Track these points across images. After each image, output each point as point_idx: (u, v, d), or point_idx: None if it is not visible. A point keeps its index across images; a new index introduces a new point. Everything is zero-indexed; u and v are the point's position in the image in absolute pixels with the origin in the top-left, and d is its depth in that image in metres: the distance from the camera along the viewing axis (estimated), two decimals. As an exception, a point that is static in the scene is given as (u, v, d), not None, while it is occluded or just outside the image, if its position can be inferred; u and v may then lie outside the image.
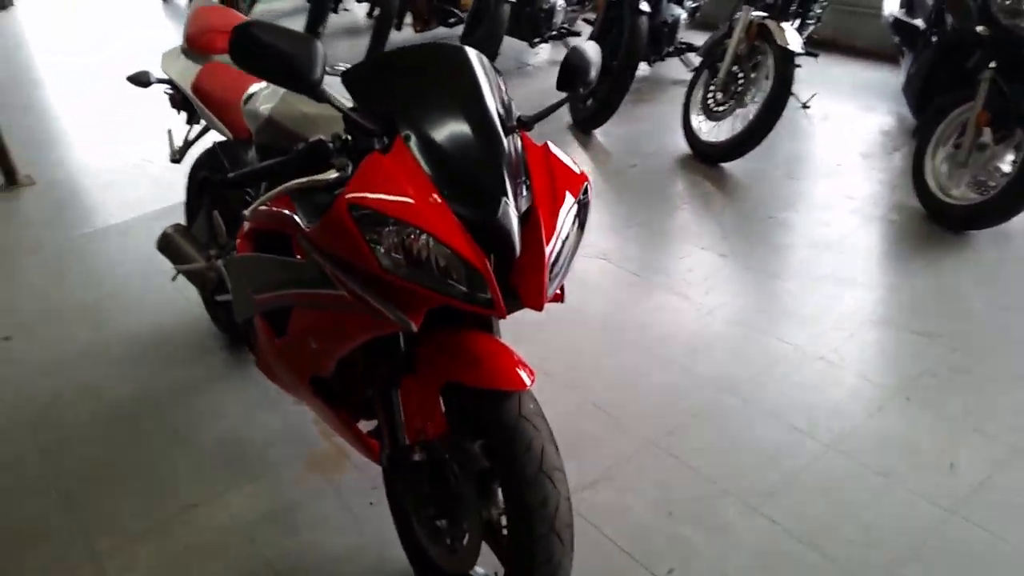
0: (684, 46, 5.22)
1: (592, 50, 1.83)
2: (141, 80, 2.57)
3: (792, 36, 3.63)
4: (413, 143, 1.50)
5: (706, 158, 4.05)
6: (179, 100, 2.61)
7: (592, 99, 4.43)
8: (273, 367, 2.04)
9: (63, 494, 2.20)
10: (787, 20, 3.88)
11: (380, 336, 1.61)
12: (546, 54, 6.13)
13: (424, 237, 1.42)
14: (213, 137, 2.48)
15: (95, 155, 4.69)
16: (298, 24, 6.17)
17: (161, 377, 2.65)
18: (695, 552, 1.96)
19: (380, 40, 5.67)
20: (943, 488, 2.09)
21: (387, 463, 1.74)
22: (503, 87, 1.75)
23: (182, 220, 2.78)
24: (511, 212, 1.48)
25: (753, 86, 3.86)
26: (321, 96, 1.44)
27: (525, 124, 1.72)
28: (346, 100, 1.53)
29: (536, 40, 5.28)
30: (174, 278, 2.52)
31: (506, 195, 1.49)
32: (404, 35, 6.33)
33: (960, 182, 3.24)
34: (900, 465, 2.17)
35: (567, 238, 1.63)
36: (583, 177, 1.69)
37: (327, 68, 1.46)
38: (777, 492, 2.12)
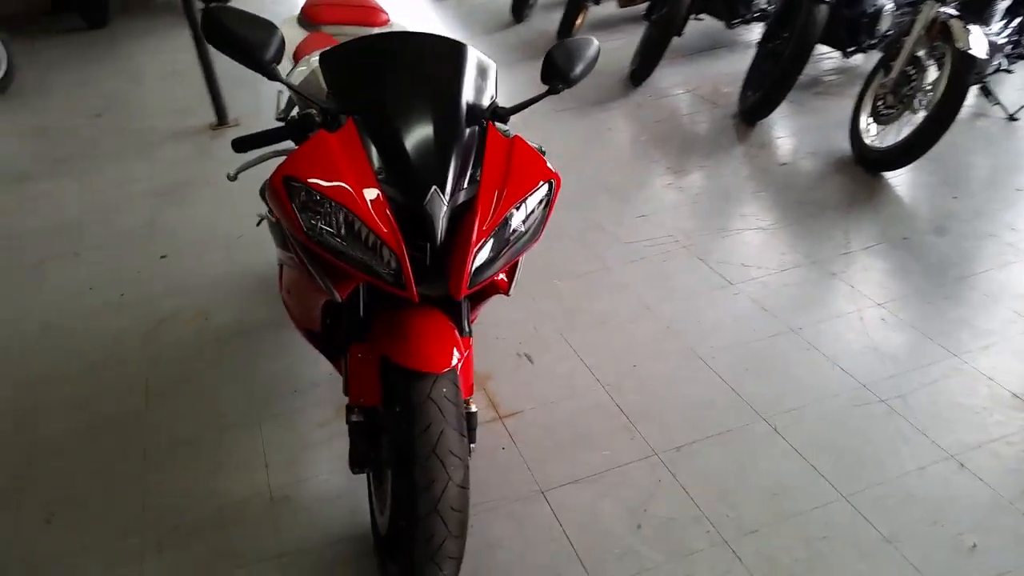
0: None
1: (581, 46, 1.79)
2: None
3: (977, 40, 3.18)
4: (363, 125, 1.59)
5: (867, 164, 3.69)
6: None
7: (758, 89, 4.18)
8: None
9: (151, 391, 2.59)
10: (982, 23, 3.40)
11: (341, 303, 1.73)
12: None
13: (344, 213, 1.51)
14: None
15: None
16: None
17: (259, 311, 2.97)
18: (644, 570, 1.91)
19: (568, 24, 5.70)
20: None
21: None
22: (490, 78, 1.78)
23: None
24: (439, 200, 1.52)
25: (925, 90, 3.44)
26: (272, 75, 1.58)
27: (500, 116, 1.74)
28: None
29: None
30: (258, 223, 2.81)
31: (440, 183, 1.53)
32: (606, 10, 6.28)
33: None
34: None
35: (514, 233, 1.64)
36: (548, 175, 1.69)
37: None
38: (759, 532, 1.99)
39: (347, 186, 1.52)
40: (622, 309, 2.86)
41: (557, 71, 1.75)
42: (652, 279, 3.01)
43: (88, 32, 6.68)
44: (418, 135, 1.58)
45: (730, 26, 5.35)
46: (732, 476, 2.16)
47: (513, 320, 2.84)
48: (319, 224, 1.55)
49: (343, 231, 1.54)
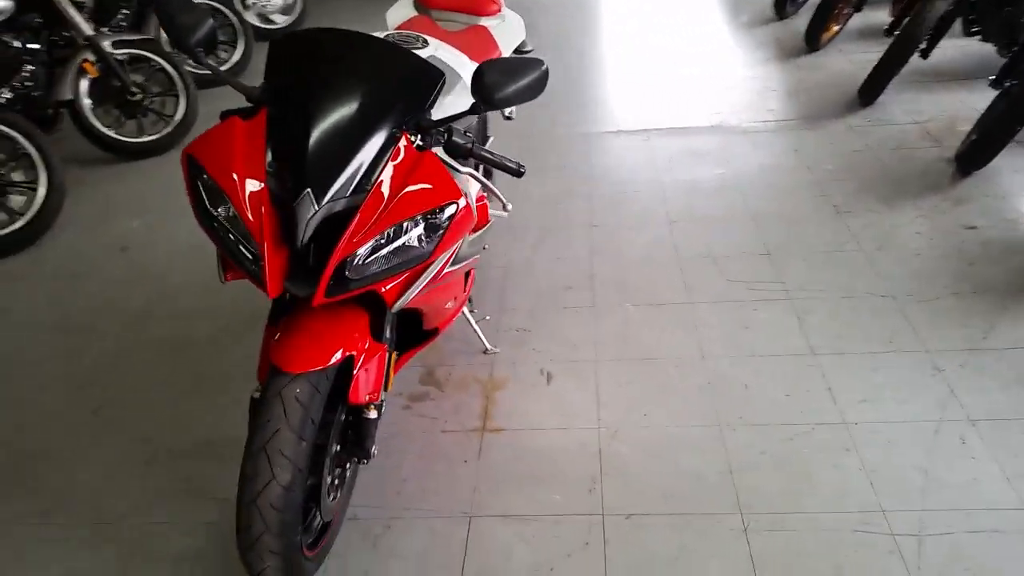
0: None
1: (518, 68, 1.66)
2: None
3: None
4: (273, 117, 1.64)
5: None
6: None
7: (980, 133, 3.49)
8: None
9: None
10: None
11: None
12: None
13: (225, 199, 1.58)
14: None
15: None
16: None
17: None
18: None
19: (816, 30, 5.12)
20: None
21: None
22: (429, 89, 1.72)
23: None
24: (308, 203, 1.54)
25: None
26: (196, 59, 1.68)
27: (424, 129, 1.70)
28: None
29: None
30: None
31: (317, 186, 1.54)
32: (877, 17, 5.54)
33: None
34: None
35: (402, 248, 1.61)
36: (451, 196, 1.63)
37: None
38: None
39: (235, 174, 1.58)
40: (675, 351, 2.62)
41: (481, 88, 1.65)
42: (729, 327, 2.71)
43: None
44: (313, 135, 1.59)
45: (1007, 55, 4.48)
46: (664, 565, 1.92)
47: (560, 336, 2.73)
48: (211, 207, 1.63)
49: (223, 217, 1.61)
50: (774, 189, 3.57)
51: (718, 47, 5.46)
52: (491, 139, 3.07)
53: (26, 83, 4.32)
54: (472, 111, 1.70)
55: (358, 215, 1.57)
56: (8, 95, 4.25)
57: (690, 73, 5.03)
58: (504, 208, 1.95)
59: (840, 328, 2.66)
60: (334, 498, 1.90)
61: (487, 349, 2.68)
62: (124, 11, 5.27)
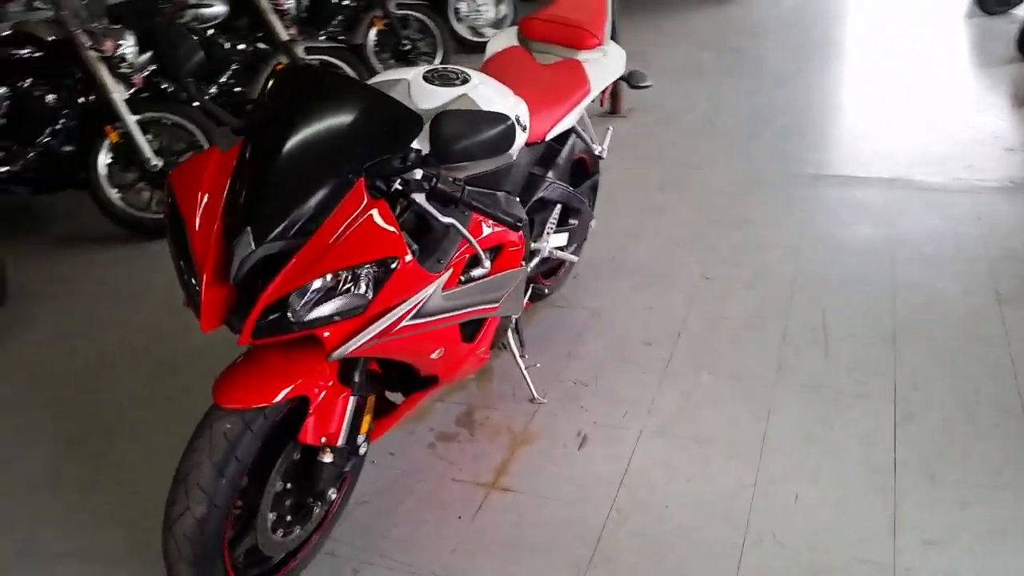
0: None
1: (477, 122, 1.53)
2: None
3: None
4: (246, 150, 1.65)
5: None
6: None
7: None
8: None
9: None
10: None
11: None
12: None
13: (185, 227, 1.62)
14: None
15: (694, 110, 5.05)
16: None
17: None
18: None
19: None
20: None
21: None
22: (404, 134, 1.66)
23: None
24: (246, 241, 1.53)
25: None
26: (186, 89, 1.72)
27: (384, 176, 1.63)
28: None
29: None
30: None
31: (258, 225, 1.53)
32: None
33: None
34: None
35: (337, 296, 1.56)
36: (393, 252, 1.56)
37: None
38: None
39: (196, 204, 1.61)
40: (732, 437, 2.31)
41: (436, 139, 1.53)
42: (807, 420, 2.35)
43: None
44: (266, 173, 1.57)
45: None
46: None
47: (615, 396, 2.53)
48: (173, 233, 1.67)
49: (181, 245, 1.64)
50: (931, 261, 3.05)
51: (940, 84, 4.79)
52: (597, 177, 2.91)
53: (230, 79, 4.80)
54: (424, 164, 1.59)
55: (294, 259, 1.53)
56: (213, 91, 4.74)
57: (889, 113, 4.46)
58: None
59: (943, 445, 2.20)
60: (285, 535, 1.87)
61: (534, 398, 2.54)
62: (339, 16, 5.70)
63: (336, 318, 1.57)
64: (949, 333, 2.64)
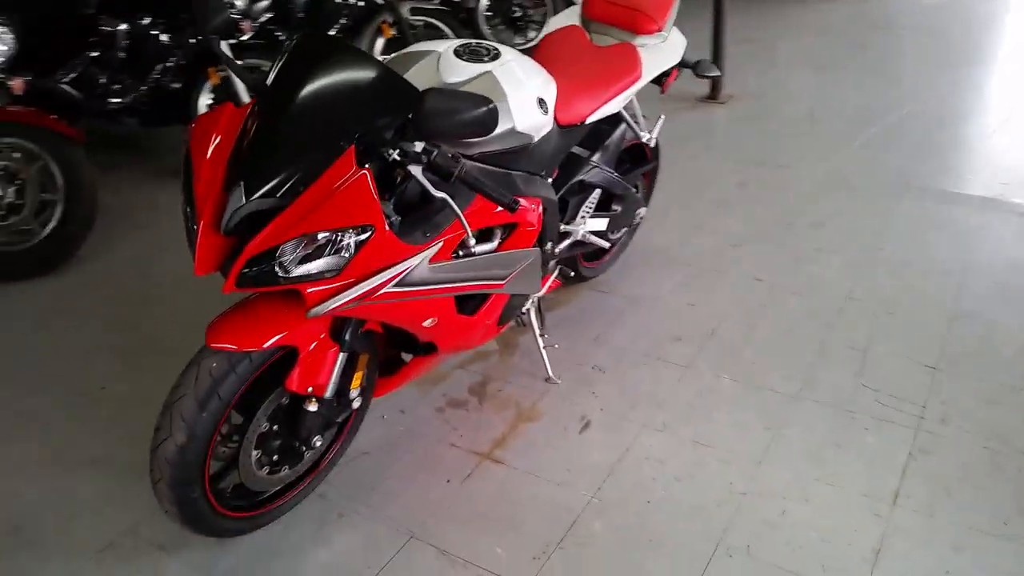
0: None
1: (461, 103, 1.55)
2: None
3: None
4: (254, 109, 1.75)
5: None
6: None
7: None
8: None
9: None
10: None
11: None
12: None
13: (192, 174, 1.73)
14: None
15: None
16: None
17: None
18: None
19: None
20: None
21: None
22: (399, 107, 1.71)
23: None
24: (238, 194, 1.63)
25: None
26: (211, 45, 1.82)
27: (374, 146, 1.69)
28: None
29: None
30: None
31: (250, 180, 1.62)
32: None
33: None
34: None
35: (317, 255, 1.63)
36: (369, 220, 1.62)
37: None
38: None
39: (204, 156, 1.72)
40: (734, 446, 2.27)
41: (417, 115, 1.56)
42: (817, 439, 2.27)
43: None
44: (265, 133, 1.65)
45: None
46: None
47: (628, 387, 2.52)
48: (185, 183, 1.79)
49: (188, 192, 1.75)
50: (1003, 293, 2.84)
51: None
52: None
53: (337, 35, 4.95)
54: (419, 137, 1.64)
55: (279, 217, 1.61)
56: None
57: (1010, 129, 4.14)
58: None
59: (954, 483, 2.08)
60: (271, 472, 1.99)
61: (549, 377, 2.56)
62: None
63: (314, 277, 1.65)
64: (996, 372, 2.46)
